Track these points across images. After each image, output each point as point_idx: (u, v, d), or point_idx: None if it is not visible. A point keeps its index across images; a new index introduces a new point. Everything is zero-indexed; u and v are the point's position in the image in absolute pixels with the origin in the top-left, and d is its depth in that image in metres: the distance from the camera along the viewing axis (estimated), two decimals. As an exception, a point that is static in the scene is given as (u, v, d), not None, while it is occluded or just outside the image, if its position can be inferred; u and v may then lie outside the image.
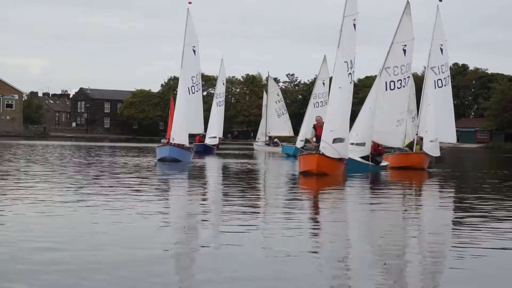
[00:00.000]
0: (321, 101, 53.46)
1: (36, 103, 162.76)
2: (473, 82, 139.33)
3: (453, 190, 23.87)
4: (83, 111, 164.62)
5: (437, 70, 36.64)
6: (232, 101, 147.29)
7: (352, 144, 30.25)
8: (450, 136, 38.79)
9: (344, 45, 28.05)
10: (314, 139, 28.95)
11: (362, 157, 31.39)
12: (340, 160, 27.74)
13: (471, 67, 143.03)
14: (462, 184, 26.96)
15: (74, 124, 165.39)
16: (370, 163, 31.41)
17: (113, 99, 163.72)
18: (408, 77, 34.86)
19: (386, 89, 34.36)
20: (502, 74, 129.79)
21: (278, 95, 72.38)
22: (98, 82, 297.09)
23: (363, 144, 30.87)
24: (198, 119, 41.32)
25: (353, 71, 28.30)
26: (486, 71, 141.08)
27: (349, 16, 28.27)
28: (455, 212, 16.56)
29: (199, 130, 41.66)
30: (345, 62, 28.00)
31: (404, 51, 34.51)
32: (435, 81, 36.61)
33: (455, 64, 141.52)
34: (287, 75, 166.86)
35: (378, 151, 32.23)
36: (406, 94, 35.04)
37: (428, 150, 35.10)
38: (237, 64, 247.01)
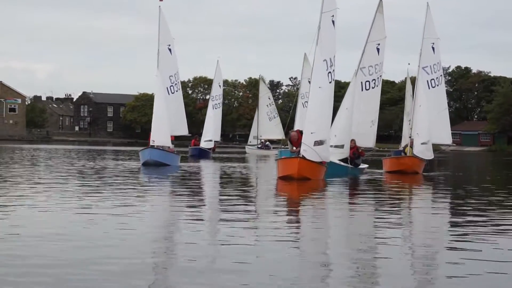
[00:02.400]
0: (309, 100, 52.56)
1: (39, 107, 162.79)
2: (476, 85, 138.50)
3: (437, 195, 23.02)
4: (86, 115, 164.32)
5: (429, 70, 35.55)
6: (235, 104, 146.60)
7: (331, 146, 29.28)
8: (445, 137, 37.68)
9: (323, 43, 27.06)
10: (294, 148, 27.92)
11: (340, 160, 30.33)
12: (321, 163, 26.66)
13: (474, 70, 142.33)
14: (449, 188, 26.04)
15: (77, 128, 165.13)
16: (349, 165, 30.33)
17: (116, 103, 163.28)
18: (381, 76, 33.98)
19: (362, 90, 33.47)
20: (505, 77, 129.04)
21: (269, 98, 71.96)
22: (103, 86, 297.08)
23: (341, 146, 29.76)
24: (181, 120, 39.84)
25: (333, 70, 27.26)
26: (489, 74, 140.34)
27: (327, 12, 27.26)
28: (435, 218, 15.81)
29: (183, 131, 40.19)
30: (324, 60, 26.95)
31: (378, 50, 33.64)
32: (428, 81, 35.49)
33: (458, 67, 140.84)
34: (290, 78, 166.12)
35: (357, 154, 31.15)
36: (379, 94, 34.22)
37: (419, 153, 33.90)
38: (240, 68, 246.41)
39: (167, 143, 35.96)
